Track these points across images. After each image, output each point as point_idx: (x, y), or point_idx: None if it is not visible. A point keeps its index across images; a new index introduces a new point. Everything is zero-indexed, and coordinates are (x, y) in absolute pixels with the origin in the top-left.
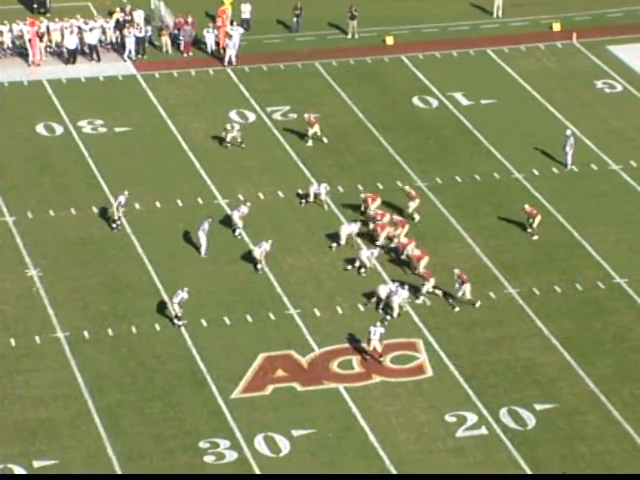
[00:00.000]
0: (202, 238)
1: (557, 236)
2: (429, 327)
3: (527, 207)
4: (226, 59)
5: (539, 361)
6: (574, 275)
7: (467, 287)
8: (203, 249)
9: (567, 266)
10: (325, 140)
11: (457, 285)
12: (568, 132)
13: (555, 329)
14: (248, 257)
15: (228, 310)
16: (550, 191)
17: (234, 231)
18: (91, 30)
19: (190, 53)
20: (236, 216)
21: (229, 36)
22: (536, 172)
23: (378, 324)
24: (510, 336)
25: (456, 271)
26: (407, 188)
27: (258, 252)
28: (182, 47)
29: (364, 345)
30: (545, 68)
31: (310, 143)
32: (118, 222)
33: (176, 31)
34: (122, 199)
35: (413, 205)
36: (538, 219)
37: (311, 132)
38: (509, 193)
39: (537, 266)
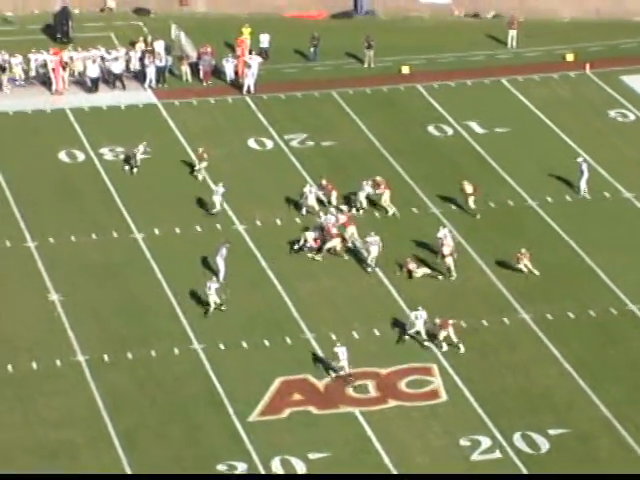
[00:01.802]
0: (220, 263)
1: (570, 262)
2: (444, 352)
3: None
4: (245, 87)
5: (553, 386)
6: (587, 301)
7: (449, 331)
8: (221, 274)
9: (580, 292)
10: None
11: (439, 330)
12: (580, 159)
13: (568, 354)
14: (265, 282)
15: (245, 334)
16: (563, 218)
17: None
18: (117, 59)
19: (209, 82)
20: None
21: (248, 65)
22: (549, 199)
23: (338, 344)
24: (524, 361)
25: (437, 321)
26: (378, 178)
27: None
28: (202, 76)
29: (333, 369)
30: (558, 97)
31: (200, 177)
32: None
33: (196, 60)
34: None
35: (385, 197)
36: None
37: (201, 166)
38: (523, 220)
39: (550, 292)
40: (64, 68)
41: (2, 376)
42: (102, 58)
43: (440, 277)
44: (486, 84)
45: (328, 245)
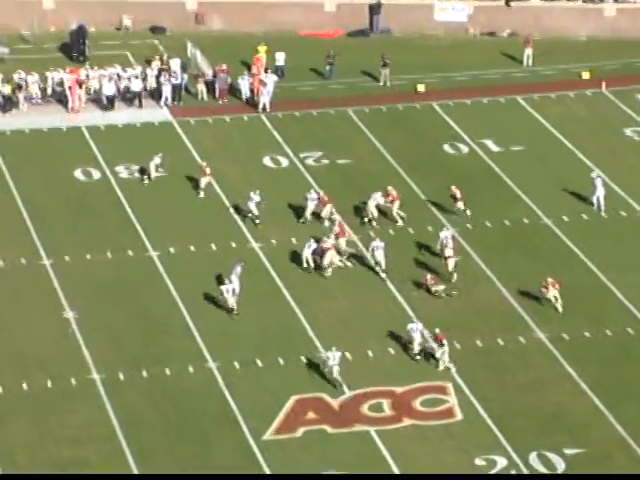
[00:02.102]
0: (235, 281)
1: (586, 281)
2: (459, 370)
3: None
4: (260, 106)
5: (569, 406)
6: (603, 320)
7: (445, 350)
8: (236, 292)
9: (596, 311)
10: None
11: (435, 346)
12: (593, 174)
13: (584, 374)
14: (280, 300)
15: (260, 352)
16: (579, 236)
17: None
18: (137, 77)
19: (225, 100)
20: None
21: (263, 83)
22: (565, 218)
23: (333, 348)
24: (539, 380)
25: (437, 331)
26: (389, 188)
27: (308, 252)
28: (217, 94)
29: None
30: (574, 115)
31: (202, 195)
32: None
33: (212, 78)
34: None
35: (395, 207)
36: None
37: (204, 181)
38: (538, 238)
39: (566, 311)
40: (80, 86)
41: (17, 394)
42: (118, 76)
43: (455, 292)
44: (502, 102)
45: (325, 261)
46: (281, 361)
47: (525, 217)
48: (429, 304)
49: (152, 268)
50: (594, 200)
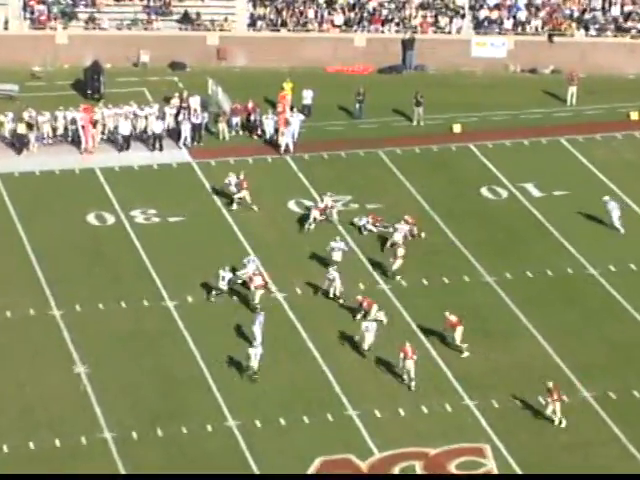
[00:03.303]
0: (257, 332)
1: (635, 336)
2: (497, 431)
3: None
4: (282, 147)
5: (616, 470)
6: None
7: (459, 330)
8: (258, 343)
9: None
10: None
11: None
12: (605, 198)
13: (634, 436)
14: (305, 353)
15: (284, 410)
16: (627, 288)
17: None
18: (161, 118)
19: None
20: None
21: (288, 123)
22: (612, 268)
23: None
24: (585, 442)
25: (449, 315)
26: (407, 217)
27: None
28: (268, 132)
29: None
30: (622, 159)
31: (235, 206)
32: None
33: (233, 117)
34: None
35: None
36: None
37: (238, 196)
38: (583, 289)
39: (614, 368)
40: (94, 125)
41: (23, 454)
42: (135, 115)
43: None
44: (543, 144)
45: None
46: (306, 419)
47: (569, 267)
48: (465, 360)
49: (169, 319)
50: (614, 222)
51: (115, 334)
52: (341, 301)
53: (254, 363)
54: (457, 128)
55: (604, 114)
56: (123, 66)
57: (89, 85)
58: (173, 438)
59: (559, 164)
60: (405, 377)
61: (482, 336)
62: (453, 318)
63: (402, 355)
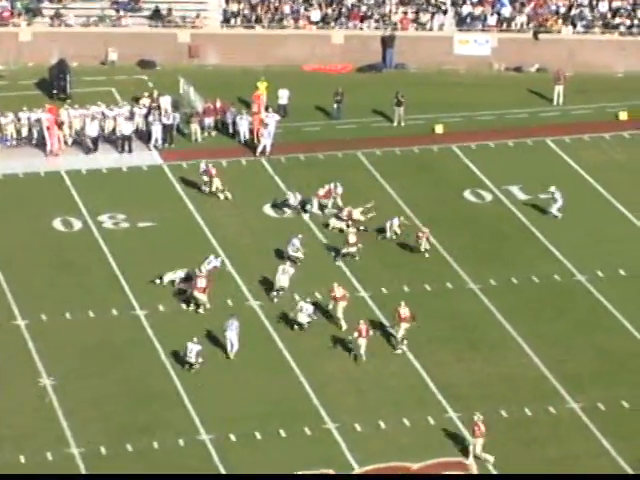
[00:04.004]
0: (232, 338)
1: (626, 345)
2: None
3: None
4: (259, 148)
5: None
6: None
7: (405, 326)
8: (231, 348)
9: (637, 378)
10: (229, 196)
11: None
12: (552, 188)
13: (624, 449)
14: (282, 364)
15: (260, 423)
16: (616, 294)
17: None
18: (130, 118)
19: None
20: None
21: (264, 124)
22: (601, 274)
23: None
24: (573, 456)
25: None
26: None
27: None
28: (231, 130)
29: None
30: (611, 160)
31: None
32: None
33: (205, 118)
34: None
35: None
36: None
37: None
38: (571, 296)
39: (603, 378)
40: (60, 127)
41: None
42: (103, 115)
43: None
44: (529, 145)
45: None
46: (283, 433)
47: (556, 273)
48: (450, 370)
49: (139, 329)
50: (554, 211)
51: (83, 345)
52: (274, 294)
53: (193, 358)
54: (439, 129)
55: (592, 114)
56: (90, 64)
57: (55, 84)
58: (144, 453)
59: (545, 166)
60: (356, 353)
61: (466, 346)
62: (406, 312)
63: (356, 334)
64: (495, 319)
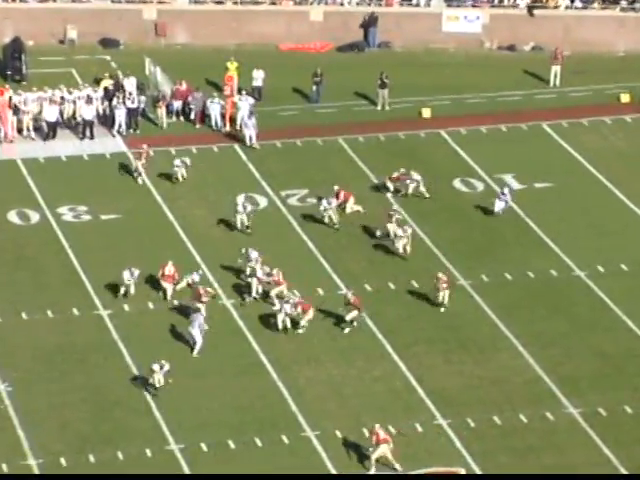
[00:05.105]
0: (196, 335)
1: (627, 345)
2: (473, 453)
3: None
4: (247, 140)
5: None
6: None
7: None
8: (197, 347)
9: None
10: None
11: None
12: (510, 181)
13: (625, 457)
14: (257, 368)
15: (233, 431)
16: (618, 291)
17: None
18: (91, 102)
19: (201, 124)
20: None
21: (237, 107)
22: (601, 269)
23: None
24: (571, 465)
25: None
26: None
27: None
28: (193, 117)
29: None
30: (612, 146)
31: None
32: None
33: (173, 101)
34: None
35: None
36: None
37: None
38: (569, 293)
39: (603, 381)
40: (14, 111)
41: None
42: (62, 98)
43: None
44: (524, 130)
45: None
46: (259, 442)
47: (553, 268)
48: (438, 373)
49: (102, 330)
50: (499, 209)
51: (41, 348)
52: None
53: (158, 378)
54: (427, 113)
55: (591, 96)
56: (48, 43)
57: (9, 65)
58: (107, 465)
59: (541, 152)
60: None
61: (456, 347)
62: (351, 297)
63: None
64: (487, 318)
